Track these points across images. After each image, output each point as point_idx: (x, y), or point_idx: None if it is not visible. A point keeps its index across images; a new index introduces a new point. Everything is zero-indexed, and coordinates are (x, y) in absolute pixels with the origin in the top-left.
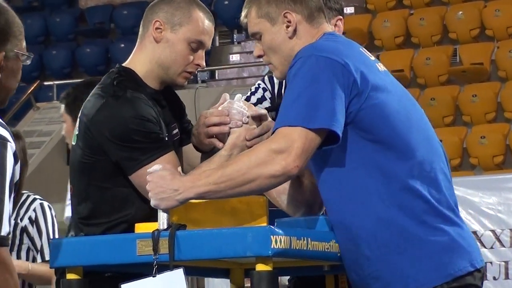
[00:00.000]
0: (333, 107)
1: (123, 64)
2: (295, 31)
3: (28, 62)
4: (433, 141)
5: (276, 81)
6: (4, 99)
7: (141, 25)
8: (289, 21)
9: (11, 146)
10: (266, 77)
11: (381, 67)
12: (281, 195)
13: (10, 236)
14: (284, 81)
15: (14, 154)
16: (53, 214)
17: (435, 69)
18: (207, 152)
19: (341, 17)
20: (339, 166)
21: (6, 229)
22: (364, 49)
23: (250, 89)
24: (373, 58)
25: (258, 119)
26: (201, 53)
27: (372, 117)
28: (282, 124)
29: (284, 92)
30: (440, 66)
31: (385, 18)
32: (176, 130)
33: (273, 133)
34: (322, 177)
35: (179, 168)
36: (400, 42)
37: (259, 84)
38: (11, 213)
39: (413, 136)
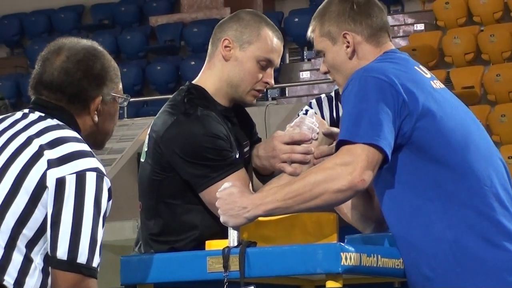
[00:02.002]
0: (378, 124)
1: (193, 82)
2: (354, 51)
3: (125, 104)
4: (493, 158)
5: (326, 105)
6: (102, 142)
7: (210, 43)
8: (348, 42)
9: (106, 182)
10: (314, 101)
11: (436, 84)
12: (352, 210)
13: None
14: (334, 106)
15: (109, 190)
16: None
17: (505, 86)
18: (266, 176)
19: None
20: (398, 186)
21: (97, 261)
22: (420, 66)
23: (298, 114)
24: (429, 75)
25: (330, 136)
26: (270, 71)
27: (427, 136)
28: (339, 140)
29: (334, 116)
30: (511, 82)
31: (455, 35)
32: (247, 148)
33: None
34: (382, 198)
35: (250, 186)
36: (470, 58)
37: (306, 110)
38: (101, 246)
39: (471, 153)
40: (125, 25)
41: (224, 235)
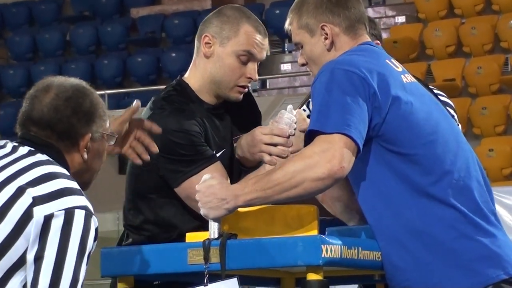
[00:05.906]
0: (349, 114)
1: (183, 77)
2: (332, 43)
3: (112, 142)
4: (462, 151)
5: None
6: (89, 180)
7: (195, 39)
8: (326, 34)
9: (94, 221)
10: None
11: (407, 78)
12: (336, 202)
13: None
14: None
15: (96, 230)
16: None
17: (486, 78)
18: (249, 168)
19: (378, 42)
20: (369, 178)
21: None
22: (392, 60)
23: (301, 107)
24: (400, 69)
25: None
26: (252, 65)
27: (395, 130)
28: (309, 130)
29: None
30: (492, 75)
31: (436, 27)
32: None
33: (307, 143)
34: (356, 188)
35: (228, 180)
36: (452, 51)
37: (309, 101)
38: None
39: (439, 146)
40: (106, 16)
41: (202, 229)
